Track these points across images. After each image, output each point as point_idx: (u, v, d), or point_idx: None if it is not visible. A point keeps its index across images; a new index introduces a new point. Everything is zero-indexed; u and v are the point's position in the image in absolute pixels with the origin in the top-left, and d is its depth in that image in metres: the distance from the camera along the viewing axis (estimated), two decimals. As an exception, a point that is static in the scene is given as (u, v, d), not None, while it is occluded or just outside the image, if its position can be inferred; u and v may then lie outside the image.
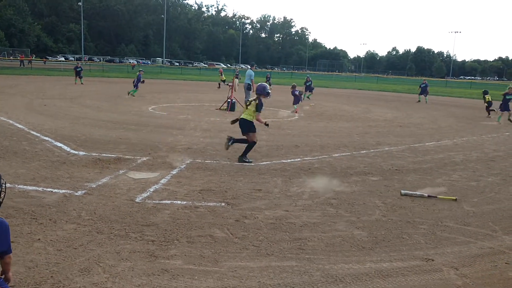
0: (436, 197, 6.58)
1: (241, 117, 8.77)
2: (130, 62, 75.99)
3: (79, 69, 30.61)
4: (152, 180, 6.82)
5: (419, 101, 29.53)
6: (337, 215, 5.68)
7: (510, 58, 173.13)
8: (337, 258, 4.39)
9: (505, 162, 9.79)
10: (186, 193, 6.25)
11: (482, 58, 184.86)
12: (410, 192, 6.78)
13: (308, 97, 26.41)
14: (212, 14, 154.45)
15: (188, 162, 8.22)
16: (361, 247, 4.68)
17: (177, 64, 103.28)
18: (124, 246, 4.37)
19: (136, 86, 22.55)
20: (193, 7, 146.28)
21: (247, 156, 8.56)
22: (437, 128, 15.86)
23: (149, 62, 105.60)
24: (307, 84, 27.10)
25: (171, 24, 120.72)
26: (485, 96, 21.57)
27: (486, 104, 21.53)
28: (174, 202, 5.85)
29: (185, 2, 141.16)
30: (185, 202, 5.87)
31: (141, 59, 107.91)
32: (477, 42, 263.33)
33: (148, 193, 6.16)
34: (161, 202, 5.82)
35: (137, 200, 5.85)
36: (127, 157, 8.38)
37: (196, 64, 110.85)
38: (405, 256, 4.51)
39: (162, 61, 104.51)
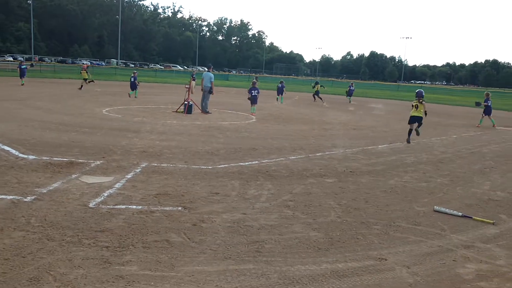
0: (471, 217, 6.19)
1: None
2: (82, 64, 73.66)
3: (24, 67, 29.28)
4: (106, 185, 6.65)
5: (349, 102, 32.38)
6: (293, 217, 5.75)
7: (457, 64, 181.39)
8: (294, 259, 4.44)
9: (453, 164, 10.23)
10: (141, 198, 6.13)
11: (431, 64, 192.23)
12: (444, 209, 6.43)
13: (281, 101, 27.85)
14: (168, 15, 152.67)
15: (144, 165, 8.07)
16: (317, 248, 4.76)
17: (132, 65, 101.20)
18: (76, 253, 4.24)
19: (135, 87, 23.96)
20: (149, 8, 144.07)
21: None
22: (389, 131, 16.37)
23: (103, 63, 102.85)
24: (280, 86, 28.36)
25: (126, 25, 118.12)
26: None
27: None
28: (129, 207, 5.72)
29: (141, 3, 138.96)
30: (140, 206, 5.76)
31: (95, 60, 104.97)
32: (426, 48, 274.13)
33: (102, 198, 6.00)
34: (116, 207, 5.68)
35: (91, 205, 5.68)
36: (80, 161, 8.13)
37: (152, 66, 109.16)
38: (360, 256, 4.62)
39: (117, 62, 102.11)
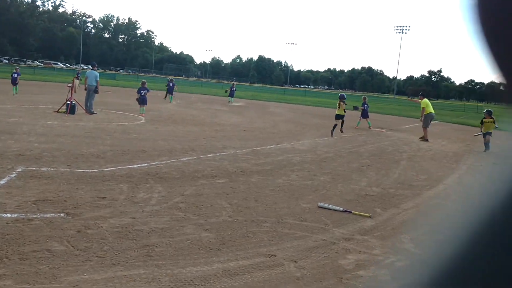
0: (351, 212, 6.60)
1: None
2: None
3: None
4: (-26, 192, 5.97)
5: (228, 102, 33.23)
6: (185, 219, 5.70)
7: (337, 70, 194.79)
8: (186, 261, 4.40)
9: (334, 163, 10.96)
10: (17, 205, 5.61)
11: (314, 69, 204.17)
12: (327, 205, 6.78)
13: (170, 100, 28.54)
14: (48, 9, 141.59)
15: (20, 170, 7.39)
16: (209, 249, 4.78)
17: (6, 61, 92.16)
18: None
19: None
20: (26, 0, 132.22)
21: None
22: (277, 132, 17.01)
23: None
24: (170, 85, 29.54)
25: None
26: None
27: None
28: (3, 215, 5.20)
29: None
30: (16, 214, 5.26)
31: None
32: (310, 54, 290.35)
33: (-30, 207, 5.37)
34: (-13, 216, 5.13)
35: (-45, 215, 5.06)
36: None
37: (30, 62, 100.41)
38: (250, 254, 4.73)
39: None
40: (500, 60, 0.41)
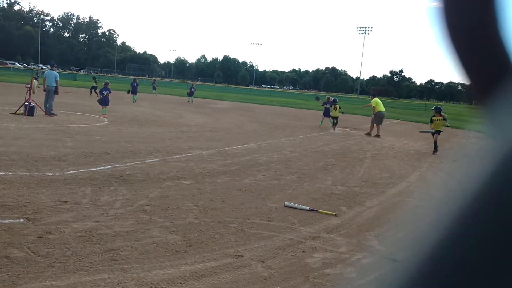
0: (317, 211, 6.66)
1: None
2: None
3: None
4: None
5: (188, 101, 34.33)
6: (151, 222, 5.61)
7: (302, 70, 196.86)
8: (152, 265, 4.34)
9: (300, 162, 11.06)
10: (-27, 211, 5.38)
11: (279, 69, 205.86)
12: (293, 204, 6.83)
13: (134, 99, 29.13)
14: (3, 6, 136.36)
15: (-24, 174, 7.09)
16: (175, 251, 4.72)
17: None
18: None
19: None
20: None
21: None
22: (243, 132, 17.02)
23: None
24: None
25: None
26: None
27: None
28: (-42, 222, 4.98)
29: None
30: (-28, 221, 5.05)
31: None
32: (275, 54, 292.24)
33: None
34: None
35: None
36: None
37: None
38: (217, 255, 4.71)
39: None
40: (465, 61, 0.42)
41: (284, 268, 4.52)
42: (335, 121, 20.77)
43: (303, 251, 5.04)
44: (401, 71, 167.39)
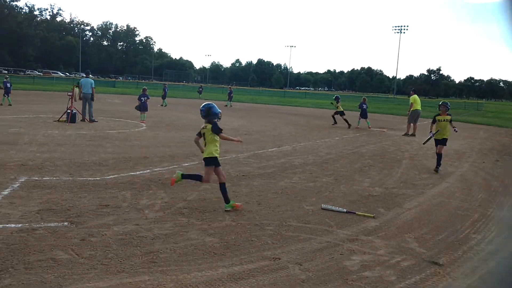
0: (354, 213, 6.61)
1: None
2: None
3: None
4: (-23, 203, 5.98)
5: (226, 105, 34.54)
6: (188, 224, 5.69)
7: (337, 71, 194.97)
8: (190, 267, 4.40)
9: (336, 164, 10.95)
10: (21, 215, 5.62)
11: (314, 71, 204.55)
12: (330, 206, 6.78)
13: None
14: (46, 18, 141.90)
15: (23, 180, 7.40)
16: (213, 254, 4.77)
17: (6, 72, 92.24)
18: None
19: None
20: (24, 10, 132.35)
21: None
22: (277, 135, 17.01)
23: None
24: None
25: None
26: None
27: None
28: (7, 226, 5.21)
29: (14, 4, 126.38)
30: (20, 224, 5.27)
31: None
32: (309, 56, 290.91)
33: (-27, 219, 5.38)
34: (-10, 227, 5.13)
35: (-41, 227, 5.06)
36: None
37: (29, 72, 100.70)
38: (255, 258, 4.73)
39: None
40: None
41: (321, 271, 4.49)
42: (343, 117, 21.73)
43: (340, 254, 4.99)
44: (439, 69, 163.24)
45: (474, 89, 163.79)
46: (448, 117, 10.64)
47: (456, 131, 10.73)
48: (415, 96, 19.58)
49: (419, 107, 19.27)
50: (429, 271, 4.62)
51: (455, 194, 8.39)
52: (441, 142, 10.69)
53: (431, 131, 10.82)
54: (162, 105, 30.22)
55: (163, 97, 31.14)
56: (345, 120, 21.57)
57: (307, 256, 4.87)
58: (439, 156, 10.67)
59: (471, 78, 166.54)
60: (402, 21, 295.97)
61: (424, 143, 11.58)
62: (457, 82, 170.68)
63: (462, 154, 14.03)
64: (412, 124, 19.00)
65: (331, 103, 23.46)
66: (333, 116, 22.79)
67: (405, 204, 7.41)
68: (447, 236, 5.88)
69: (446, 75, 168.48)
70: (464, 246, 5.49)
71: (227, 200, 6.44)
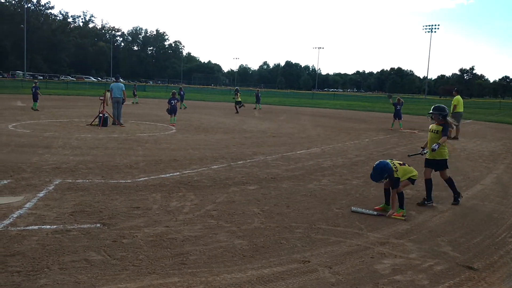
0: (385, 215, 6.57)
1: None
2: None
3: None
4: (15, 205, 6.18)
5: (254, 108, 33.39)
6: (218, 226, 5.72)
7: (366, 72, 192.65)
8: (220, 269, 4.42)
9: (366, 166, 10.80)
10: (56, 217, 5.77)
11: (342, 72, 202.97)
12: (360, 209, 6.76)
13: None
14: (79, 25, 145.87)
15: (57, 182, 7.61)
16: (242, 256, 4.78)
17: (41, 77, 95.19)
18: (-17, 282, 3.88)
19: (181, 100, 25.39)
20: (58, 17, 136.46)
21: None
22: (306, 137, 16.93)
23: (6, 76, 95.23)
24: (182, 94, 32.02)
25: (33, 34, 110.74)
26: None
27: None
28: (43, 227, 5.36)
29: (48, 11, 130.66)
30: (55, 226, 5.42)
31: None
32: (338, 57, 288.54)
33: (11, 220, 5.56)
34: (27, 228, 5.30)
35: (-2, 228, 5.24)
36: (-17, 181, 7.48)
37: (63, 78, 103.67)
38: (284, 260, 4.71)
39: (23, 74, 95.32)
40: None
41: (352, 274, 4.43)
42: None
43: (371, 257, 4.91)
44: (472, 68, 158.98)
45: (510, 88, 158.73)
46: (440, 128, 7.54)
47: (458, 139, 7.57)
48: (459, 97, 18.28)
49: (461, 109, 18.15)
50: (463, 276, 4.49)
51: (490, 196, 8.15)
52: (432, 165, 7.54)
53: (424, 148, 7.89)
54: (180, 108, 30.46)
55: (181, 99, 31.29)
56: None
57: (337, 259, 4.81)
58: (447, 182, 7.60)
59: (507, 77, 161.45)
60: (433, 20, 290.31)
61: (409, 156, 8.93)
62: (491, 81, 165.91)
63: (497, 155, 13.61)
64: (454, 127, 17.92)
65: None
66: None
67: (437, 206, 7.24)
68: (482, 240, 5.71)
69: (480, 74, 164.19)
70: (500, 250, 5.32)
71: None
